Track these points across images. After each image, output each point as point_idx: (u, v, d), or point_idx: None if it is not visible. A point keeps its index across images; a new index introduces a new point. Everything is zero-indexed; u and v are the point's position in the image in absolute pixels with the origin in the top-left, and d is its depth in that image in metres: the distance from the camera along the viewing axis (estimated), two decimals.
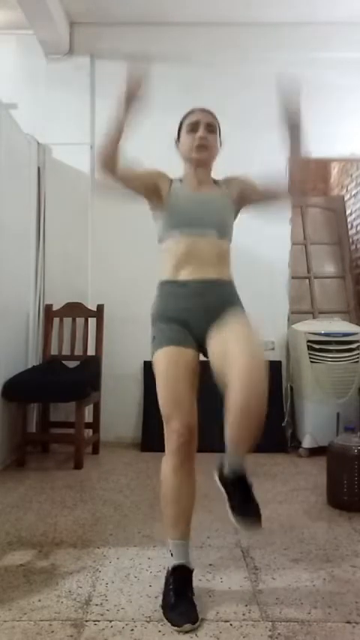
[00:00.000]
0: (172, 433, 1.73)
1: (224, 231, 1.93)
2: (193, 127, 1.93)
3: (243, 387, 1.58)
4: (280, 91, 1.83)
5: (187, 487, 1.75)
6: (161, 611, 1.67)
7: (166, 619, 1.63)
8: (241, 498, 1.62)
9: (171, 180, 1.97)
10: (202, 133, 1.91)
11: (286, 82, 1.83)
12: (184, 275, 1.87)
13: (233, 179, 2.01)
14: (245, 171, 2.04)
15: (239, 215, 2.03)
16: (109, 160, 1.81)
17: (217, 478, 1.69)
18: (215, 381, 1.69)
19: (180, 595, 1.68)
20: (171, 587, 1.70)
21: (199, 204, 1.92)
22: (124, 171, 1.85)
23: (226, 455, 1.65)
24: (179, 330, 1.84)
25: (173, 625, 1.60)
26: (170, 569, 1.74)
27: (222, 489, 1.67)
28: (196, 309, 1.85)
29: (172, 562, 1.74)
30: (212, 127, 1.95)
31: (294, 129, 1.89)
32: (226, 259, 1.95)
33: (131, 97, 1.81)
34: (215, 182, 2.02)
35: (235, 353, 1.64)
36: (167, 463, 1.75)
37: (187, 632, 1.57)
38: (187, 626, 1.58)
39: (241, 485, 1.64)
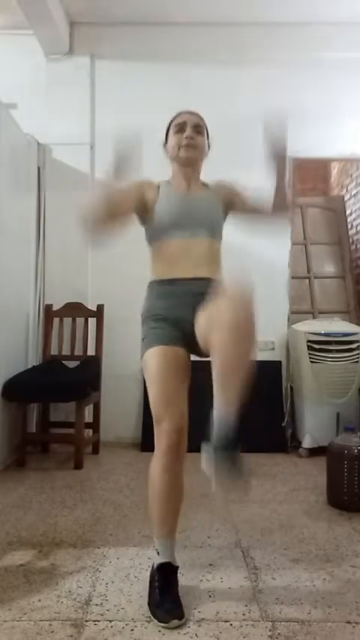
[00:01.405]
0: (162, 434, 1.73)
1: (214, 231, 1.93)
2: (181, 128, 1.95)
3: (230, 312, 1.52)
4: (267, 128, 1.84)
5: (175, 487, 1.76)
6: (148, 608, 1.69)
7: (153, 616, 1.65)
8: (228, 460, 1.49)
9: (158, 186, 1.98)
10: (189, 132, 1.93)
11: (273, 119, 1.85)
12: (174, 273, 1.87)
13: (222, 186, 2.04)
14: (236, 177, 2.07)
15: (227, 218, 2.04)
16: (100, 222, 1.79)
17: (203, 445, 1.55)
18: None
19: (165, 592, 1.70)
20: (156, 584, 1.73)
21: (188, 205, 1.92)
22: (114, 208, 1.81)
23: (214, 412, 1.54)
24: (169, 330, 1.82)
25: (160, 622, 1.61)
26: (155, 567, 1.77)
27: (207, 455, 1.53)
28: (185, 306, 1.82)
29: (158, 560, 1.77)
30: (200, 128, 1.97)
31: (280, 162, 1.91)
32: (217, 259, 1.95)
33: (120, 171, 1.78)
34: (204, 184, 2.04)
35: (220, 301, 1.60)
36: (156, 463, 1.76)
37: (173, 628, 1.59)
38: (174, 622, 1.60)
39: (229, 449, 1.50)
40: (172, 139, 1.97)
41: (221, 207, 1.99)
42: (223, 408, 1.52)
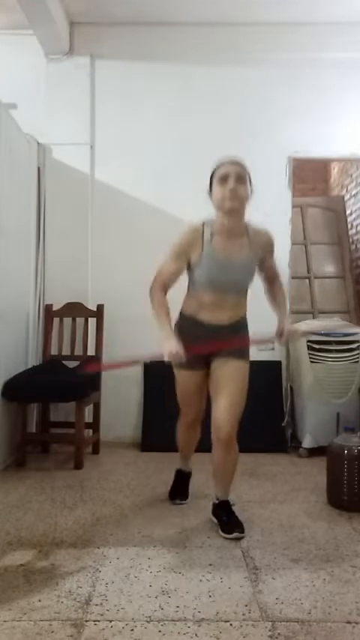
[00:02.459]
0: (182, 416, 2.48)
1: (245, 288, 2.29)
2: (224, 180, 2.14)
3: (218, 447, 2.25)
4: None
5: (191, 439, 2.54)
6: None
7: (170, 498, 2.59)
8: (227, 517, 2.27)
9: (202, 235, 2.19)
10: (232, 185, 2.12)
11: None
12: (204, 316, 2.26)
13: (263, 242, 2.30)
14: (273, 238, 2.37)
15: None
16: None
17: (211, 514, 2.37)
18: None
19: (177, 488, 2.61)
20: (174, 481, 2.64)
21: (225, 273, 2.20)
22: (170, 281, 2.26)
23: (215, 489, 2.38)
24: (194, 356, 2.23)
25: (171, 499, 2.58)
26: (175, 471, 2.66)
27: (214, 519, 2.33)
28: (206, 340, 2.25)
29: (178, 467, 2.66)
30: (242, 179, 2.14)
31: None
32: (243, 304, 2.32)
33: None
34: (246, 229, 2.24)
35: (220, 403, 2.25)
36: (180, 426, 2.52)
37: (177, 504, 2.54)
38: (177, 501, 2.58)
39: (226, 507, 2.31)
40: (217, 190, 2.16)
41: (256, 262, 2.29)
42: (220, 493, 2.38)
